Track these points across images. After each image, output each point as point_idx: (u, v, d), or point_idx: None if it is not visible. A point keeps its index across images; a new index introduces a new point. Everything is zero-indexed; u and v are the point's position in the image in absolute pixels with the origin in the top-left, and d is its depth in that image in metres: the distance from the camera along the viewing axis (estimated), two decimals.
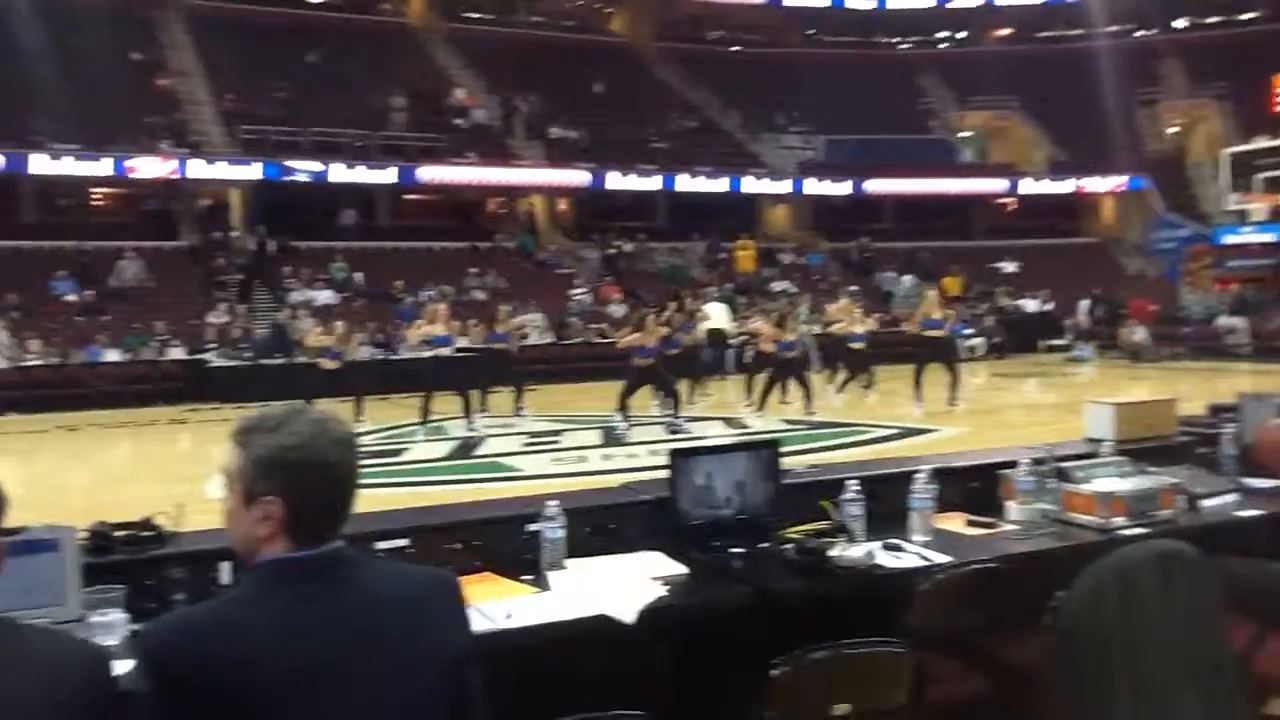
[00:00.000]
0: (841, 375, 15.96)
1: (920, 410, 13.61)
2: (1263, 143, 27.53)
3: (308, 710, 1.60)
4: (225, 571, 2.63)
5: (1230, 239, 27.19)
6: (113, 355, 18.26)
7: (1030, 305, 26.90)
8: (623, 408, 12.56)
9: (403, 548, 2.94)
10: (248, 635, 1.59)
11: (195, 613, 1.73)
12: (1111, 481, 3.57)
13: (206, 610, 1.71)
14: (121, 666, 2.01)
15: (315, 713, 1.60)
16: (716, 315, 19.41)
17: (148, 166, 23.38)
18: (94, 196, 26.02)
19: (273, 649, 1.59)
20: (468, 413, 13.05)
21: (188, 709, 1.56)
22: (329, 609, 1.66)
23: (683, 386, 14.48)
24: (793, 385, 14.01)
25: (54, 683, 1.53)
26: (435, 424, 13.01)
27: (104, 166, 23.20)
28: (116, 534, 2.80)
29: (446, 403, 13.18)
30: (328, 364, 14.20)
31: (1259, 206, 26.30)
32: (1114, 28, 34.84)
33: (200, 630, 1.62)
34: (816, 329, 18.34)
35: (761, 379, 14.23)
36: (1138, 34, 35.71)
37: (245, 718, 1.57)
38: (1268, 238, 26.32)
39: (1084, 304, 25.73)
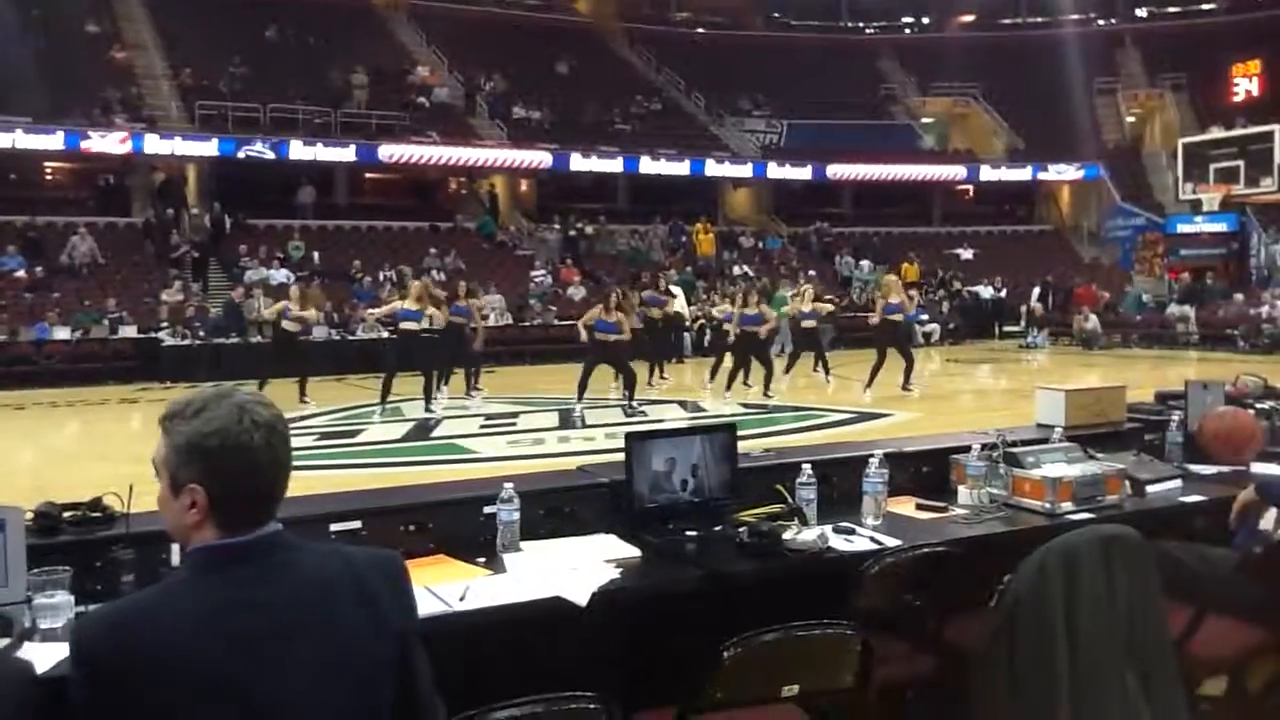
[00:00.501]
0: (789, 357, 15.99)
1: (869, 395, 13.67)
2: (1217, 133, 27.94)
3: (244, 694, 1.60)
4: (175, 553, 2.61)
5: (1183, 228, 27.59)
6: (62, 333, 17.95)
7: (985, 292, 27.16)
8: (582, 389, 12.55)
9: (356, 530, 2.94)
10: (177, 623, 1.60)
11: (127, 603, 1.73)
12: (1060, 467, 3.62)
13: (138, 599, 1.71)
14: (65, 649, 1.99)
15: (252, 697, 1.60)
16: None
17: (102, 141, 22.96)
18: (46, 171, 25.53)
19: (203, 636, 1.59)
20: (428, 394, 12.95)
21: (120, 698, 1.57)
22: (263, 593, 1.66)
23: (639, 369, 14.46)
24: (755, 367, 14.02)
25: None
26: (393, 405, 12.94)
27: (56, 140, 22.75)
28: (64, 514, 2.77)
29: (402, 384, 13.09)
30: (290, 325, 13.76)
31: (1212, 197, 26.70)
32: (1075, 16, 35.16)
33: (130, 620, 1.62)
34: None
35: (727, 361, 14.23)
36: (1099, 23, 36.08)
37: (180, 704, 1.57)
38: (1219, 228, 26.75)
39: (1035, 291, 26.00)
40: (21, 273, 20.38)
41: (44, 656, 2.15)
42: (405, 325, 12.84)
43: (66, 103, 23.23)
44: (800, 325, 15.44)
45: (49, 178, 25.71)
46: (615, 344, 12.55)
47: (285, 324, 13.66)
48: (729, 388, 13.80)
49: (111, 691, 1.57)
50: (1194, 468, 4.14)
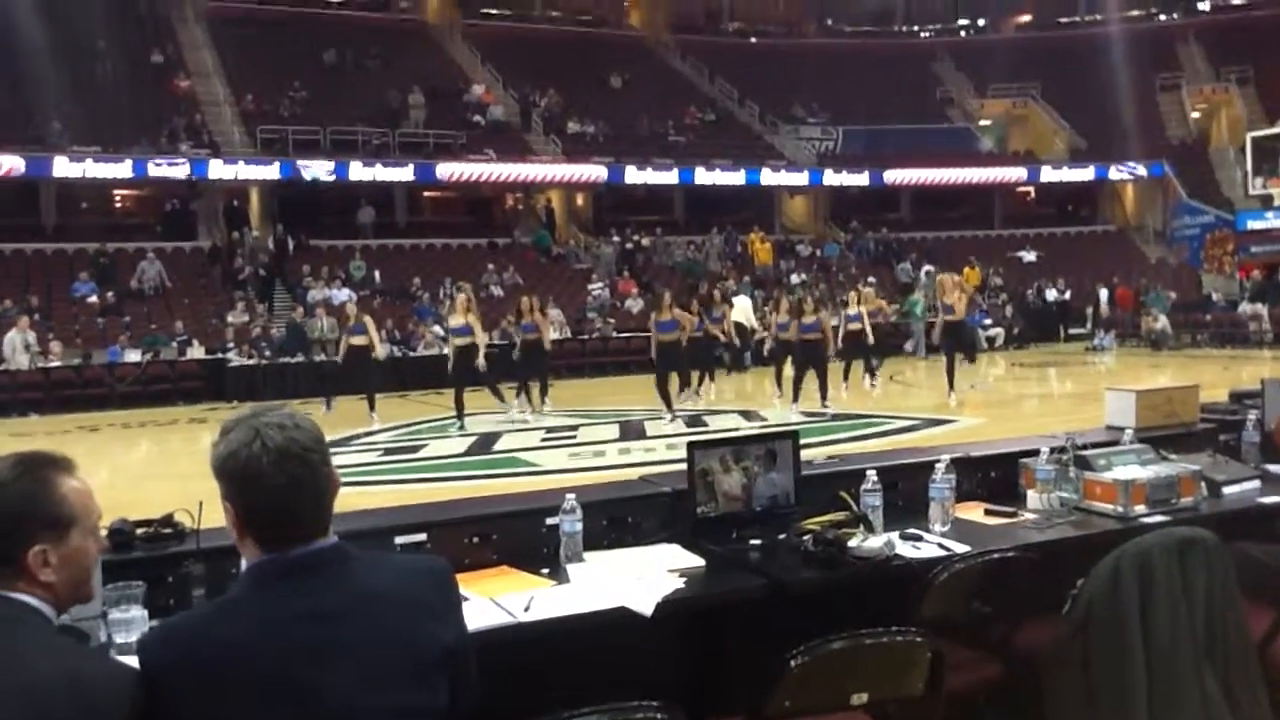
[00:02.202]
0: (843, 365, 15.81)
1: (955, 399, 13.54)
2: None
3: (300, 704, 1.66)
4: (245, 568, 2.64)
5: (1254, 224, 26.94)
6: (133, 356, 18.34)
7: (1049, 294, 26.69)
8: (665, 399, 12.60)
9: (420, 542, 2.95)
10: (232, 636, 1.67)
11: (184, 617, 1.82)
12: (1132, 469, 3.54)
13: (194, 614, 1.83)
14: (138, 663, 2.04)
15: (307, 707, 1.66)
16: (741, 309, 19.29)
17: (167, 168, 23.51)
18: (115, 198, 26.20)
19: (258, 647, 1.66)
20: (500, 397, 13.03)
21: (182, 708, 1.66)
22: (316, 605, 1.72)
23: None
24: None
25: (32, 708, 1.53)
26: (452, 420, 13.05)
27: (124, 169, 23.34)
28: (137, 531, 2.82)
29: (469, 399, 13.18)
30: (356, 340, 13.70)
31: None
32: (1135, 12, 34.55)
33: (187, 634, 1.72)
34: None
35: (789, 371, 14.01)
36: (1159, 18, 35.44)
37: (238, 714, 1.65)
38: None
39: (1104, 292, 25.48)
40: (94, 298, 20.90)
41: None
42: (457, 341, 12.96)
43: (133, 132, 23.82)
44: (848, 329, 15.25)
45: (118, 205, 26.38)
46: (675, 343, 12.60)
47: (354, 340, 13.75)
48: (796, 398, 13.55)
49: (174, 702, 1.66)
50: (1272, 468, 4.01)
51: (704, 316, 15.12)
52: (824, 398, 13.41)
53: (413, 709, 1.74)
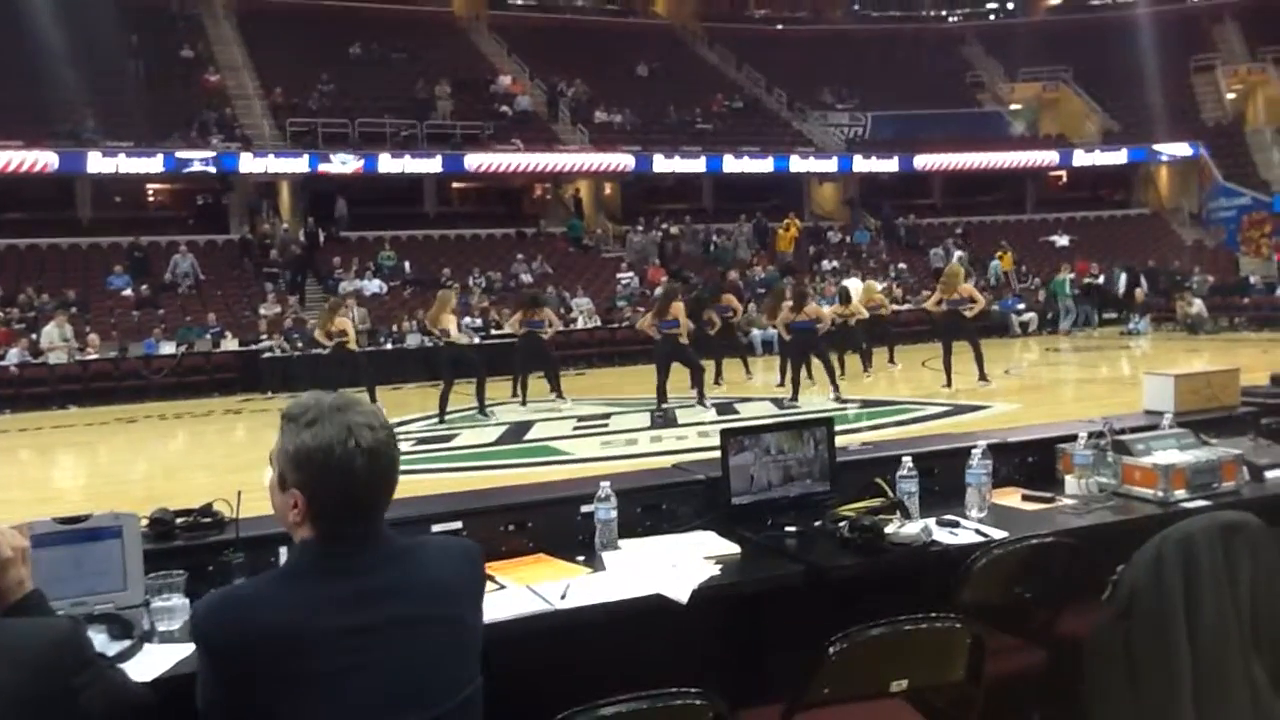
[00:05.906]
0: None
1: (950, 388, 13.39)
2: None
3: (348, 680, 1.72)
4: (284, 556, 2.66)
5: None
6: (168, 348, 18.53)
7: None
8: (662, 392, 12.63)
9: (457, 530, 2.96)
10: (281, 609, 1.74)
11: (238, 588, 1.93)
12: (1172, 454, 3.49)
13: (248, 586, 1.92)
14: (182, 650, 2.06)
15: (351, 682, 1.72)
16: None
17: (199, 162, 23.67)
18: (147, 193, 26.43)
19: (309, 622, 1.72)
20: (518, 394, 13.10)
21: (233, 672, 1.72)
22: (367, 585, 1.78)
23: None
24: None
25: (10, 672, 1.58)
26: (489, 407, 13.11)
27: (156, 163, 23.49)
28: (177, 521, 2.85)
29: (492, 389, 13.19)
30: (351, 345, 14.16)
31: None
32: None
33: (241, 604, 1.78)
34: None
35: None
36: None
37: (288, 680, 1.70)
38: None
39: (1123, 276, 24.94)
40: (129, 291, 21.12)
41: (162, 658, 2.21)
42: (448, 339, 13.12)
43: (165, 126, 24.01)
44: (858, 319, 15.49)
45: (151, 199, 26.62)
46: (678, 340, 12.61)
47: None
48: (835, 384, 13.37)
49: (225, 665, 1.73)
50: None
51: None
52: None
53: (460, 682, 1.83)
